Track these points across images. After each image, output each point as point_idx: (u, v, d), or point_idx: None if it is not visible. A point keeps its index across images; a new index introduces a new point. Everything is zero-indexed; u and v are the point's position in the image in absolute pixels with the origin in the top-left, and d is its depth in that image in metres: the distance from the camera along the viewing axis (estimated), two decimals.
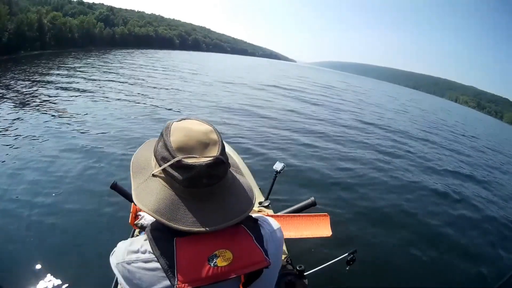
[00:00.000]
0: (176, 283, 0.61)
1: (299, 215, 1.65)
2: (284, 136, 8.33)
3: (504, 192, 7.53)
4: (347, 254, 1.50)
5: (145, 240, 0.70)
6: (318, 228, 1.62)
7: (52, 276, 2.68)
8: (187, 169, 0.66)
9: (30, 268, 2.77)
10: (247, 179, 0.83)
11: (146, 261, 0.67)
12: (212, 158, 0.67)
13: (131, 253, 0.70)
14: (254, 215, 0.83)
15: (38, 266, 2.78)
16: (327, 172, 6.06)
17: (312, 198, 1.64)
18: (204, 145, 0.68)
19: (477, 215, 5.47)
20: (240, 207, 0.71)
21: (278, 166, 2.16)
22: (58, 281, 2.65)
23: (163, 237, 0.68)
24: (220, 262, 0.64)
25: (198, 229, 0.66)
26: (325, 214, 1.65)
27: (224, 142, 0.73)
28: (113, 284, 1.64)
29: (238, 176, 0.78)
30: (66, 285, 2.63)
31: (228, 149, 0.87)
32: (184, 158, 0.66)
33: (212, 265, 0.63)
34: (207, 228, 0.66)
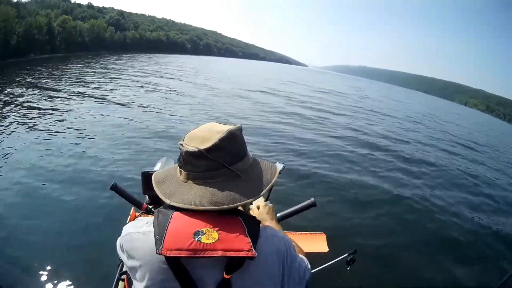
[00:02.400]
0: (160, 249, 0.67)
1: (297, 233, 1.73)
2: (286, 137, 8.63)
3: (504, 191, 7.64)
4: (347, 254, 1.51)
5: (147, 222, 0.80)
6: (315, 246, 1.68)
7: (52, 277, 2.78)
8: (180, 151, 0.82)
9: (30, 268, 2.86)
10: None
11: (144, 233, 0.77)
12: (194, 149, 0.77)
13: (135, 227, 0.81)
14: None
15: (38, 267, 2.87)
16: (327, 172, 6.20)
17: (312, 199, 1.57)
18: (203, 139, 0.79)
19: (477, 214, 5.49)
20: (226, 200, 0.76)
21: (278, 166, 1.55)
22: (58, 281, 2.73)
23: (165, 212, 0.76)
24: (204, 239, 0.69)
25: (184, 205, 0.75)
26: (321, 233, 1.72)
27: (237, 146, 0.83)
28: (114, 284, 1.65)
29: (253, 170, 0.86)
30: (66, 285, 2.72)
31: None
32: (181, 142, 0.82)
33: (196, 240, 0.68)
34: (192, 206, 0.74)
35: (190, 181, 0.80)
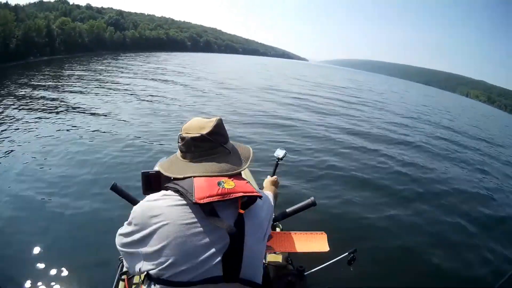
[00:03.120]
0: (193, 198, 0.87)
1: (297, 233, 1.71)
2: (287, 133, 8.85)
3: (504, 188, 7.51)
4: (347, 254, 1.52)
5: (160, 193, 0.99)
6: (316, 245, 1.66)
7: (52, 277, 2.80)
8: (181, 139, 1.06)
9: (31, 269, 2.89)
10: (248, 177, 1.26)
11: (164, 195, 0.96)
12: (198, 134, 1.03)
13: (151, 197, 0.98)
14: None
15: (38, 267, 2.90)
16: (327, 172, 6.18)
17: (312, 198, 1.65)
18: (200, 128, 1.05)
19: (477, 215, 5.43)
20: (229, 168, 1.03)
21: (279, 153, 2.08)
22: (58, 282, 2.77)
23: (185, 179, 0.98)
24: (227, 185, 0.92)
25: (203, 173, 1.00)
26: (321, 233, 1.71)
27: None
28: (114, 284, 1.65)
29: (236, 149, 1.14)
30: (66, 285, 2.76)
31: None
32: (181, 132, 1.08)
33: (220, 187, 0.91)
34: (210, 173, 1.00)
35: (195, 160, 1.04)
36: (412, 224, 4.65)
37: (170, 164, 1.09)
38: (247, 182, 0.99)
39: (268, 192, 1.33)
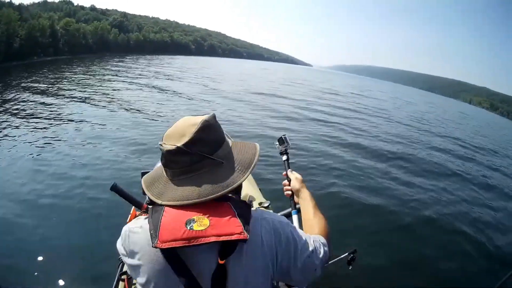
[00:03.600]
0: (155, 242, 0.70)
1: None
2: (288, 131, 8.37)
3: (504, 189, 7.57)
4: (347, 254, 1.50)
5: (145, 217, 0.83)
6: None
7: (52, 277, 2.79)
8: (160, 152, 0.83)
9: (31, 268, 2.88)
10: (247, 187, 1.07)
11: (142, 226, 0.80)
12: (173, 146, 0.78)
13: (133, 223, 0.84)
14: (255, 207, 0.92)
15: (38, 267, 2.91)
16: (328, 172, 6.21)
17: None
18: (180, 135, 0.80)
19: (477, 215, 5.45)
20: (213, 189, 0.78)
21: (281, 142, 1.66)
22: (59, 282, 2.76)
23: (158, 208, 0.79)
24: (196, 227, 0.71)
25: (174, 202, 0.78)
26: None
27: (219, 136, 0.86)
28: (114, 284, 1.66)
29: (232, 156, 0.87)
30: (67, 285, 2.76)
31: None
32: (160, 142, 0.83)
33: (188, 228, 0.71)
34: (181, 201, 0.77)
35: (176, 178, 0.82)
36: (413, 225, 4.65)
37: (153, 180, 0.87)
38: (230, 218, 0.75)
39: (262, 211, 0.90)
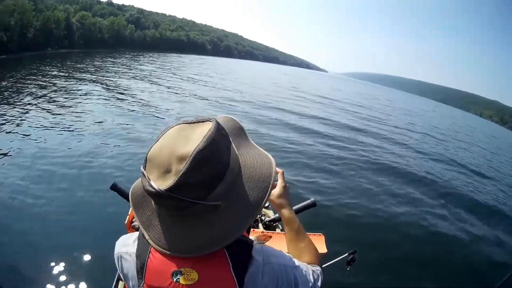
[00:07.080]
0: (142, 285, 0.66)
1: None
2: (282, 139, 8.56)
3: (504, 188, 8.22)
4: (347, 254, 1.55)
5: (134, 240, 0.75)
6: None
7: (52, 277, 2.78)
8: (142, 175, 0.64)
9: (31, 268, 2.87)
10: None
11: (130, 255, 0.72)
12: (152, 189, 0.59)
13: (125, 246, 0.75)
14: (253, 236, 0.80)
15: (38, 267, 2.89)
16: (328, 173, 6.35)
17: (312, 199, 1.66)
18: (164, 169, 0.60)
19: (478, 215, 5.63)
20: (205, 244, 0.64)
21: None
22: (58, 281, 2.76)
23: (145, 243, 0.69)
24: (183, 280, 0.63)
25: (159, 247, 0.66)
26: (320, 234, 1.77)
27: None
28: (114, 284, 1.70)
29: (234, 192, 0.67)
30: (67, 285, 2.74)
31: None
32: (142, 168, 0.63)
33: (174, 281, 0.63)
34: (166, 251, 0.65)
35: (163, 215, 0.67)
36: (413, 225, 4.75)
37: (142, 199, 0.72)
38: (223, 273, 0.65)
39: (265, 252, 0.72)
